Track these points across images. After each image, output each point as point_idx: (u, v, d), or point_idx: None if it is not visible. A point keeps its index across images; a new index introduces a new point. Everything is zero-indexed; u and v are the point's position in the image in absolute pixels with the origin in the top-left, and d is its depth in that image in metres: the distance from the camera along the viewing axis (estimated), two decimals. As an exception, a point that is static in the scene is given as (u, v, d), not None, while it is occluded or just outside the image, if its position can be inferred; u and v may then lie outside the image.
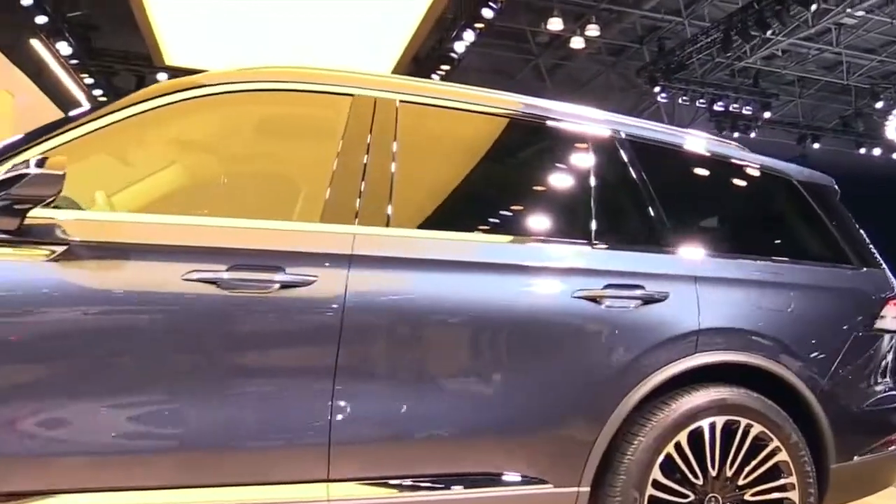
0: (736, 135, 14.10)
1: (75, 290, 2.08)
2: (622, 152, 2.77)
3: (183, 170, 2.82)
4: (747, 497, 2.59)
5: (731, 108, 14.45)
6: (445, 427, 2.34)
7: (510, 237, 2.59)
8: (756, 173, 3.11)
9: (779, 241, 3.17)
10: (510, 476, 2.40)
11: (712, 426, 2.56)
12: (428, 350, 2.36)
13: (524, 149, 2.91)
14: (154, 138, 2.60)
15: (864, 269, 3.05)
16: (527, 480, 2.41)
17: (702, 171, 3.07)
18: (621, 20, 13.10)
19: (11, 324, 2.02)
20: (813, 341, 2.80)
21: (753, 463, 2.61)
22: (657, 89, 13.75)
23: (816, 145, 16.01)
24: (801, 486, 2.62)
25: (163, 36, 13.58)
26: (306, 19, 12.52)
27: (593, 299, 2.47)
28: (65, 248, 2.07)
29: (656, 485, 2.48)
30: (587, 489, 2.45)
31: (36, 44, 13.59)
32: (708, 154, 3.04)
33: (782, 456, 2.62)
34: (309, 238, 2.30)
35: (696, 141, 3.07)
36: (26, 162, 2.02)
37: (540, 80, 14.19)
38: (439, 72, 12.03)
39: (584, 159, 2.75)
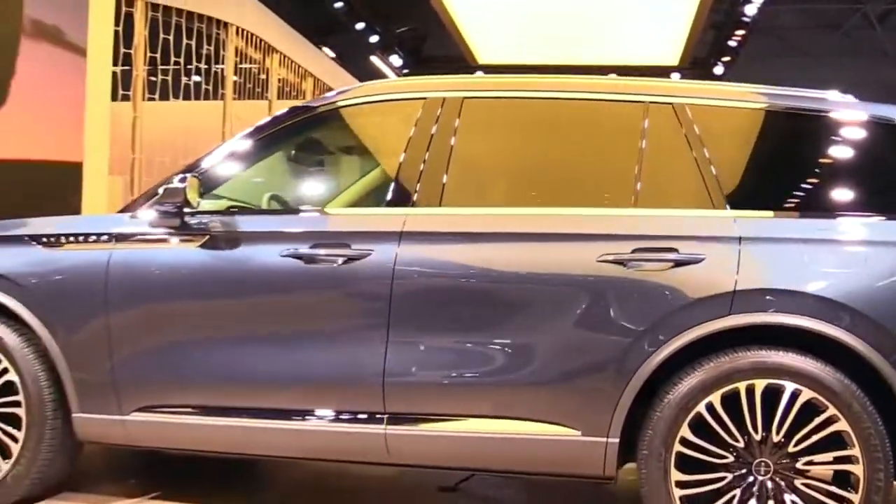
0: None
1: (215, 264, 2.88)
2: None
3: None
4: (800, 466, 2.39)
5: None
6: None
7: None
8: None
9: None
10: (542, 422, 2.57)
11: (750, 388, 2.41)
12: None
13: None
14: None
15: None
16: (557, 426, 2.55)
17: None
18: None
19: (179, 285, 2.90)
20: (884, 302, 2.43)
21: (805, 430, 2.38)
22: None
23: None
24: (866, 460, 2.36)
25: (470, 38, 14.82)
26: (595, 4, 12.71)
27: None
28: (207, 237, 2.86)
29: (685, 442, 2.44)
30: (615, 440, 2.51)
31: (374, 59, 15.74)
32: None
33: (842, 425, 2.37)
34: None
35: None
36: (180, 178, 2.84)
37: (869, 28, 12.39)
38: (735, 37, 11.25)
39: None
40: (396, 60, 15.61)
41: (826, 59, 16.79)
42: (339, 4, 13.08)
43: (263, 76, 12.69)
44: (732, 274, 2.48)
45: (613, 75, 4.38)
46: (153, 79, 10.49)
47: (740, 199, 2.64)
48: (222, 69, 11.59)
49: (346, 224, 2.91)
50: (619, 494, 2.87)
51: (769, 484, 2.41)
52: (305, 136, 3.32)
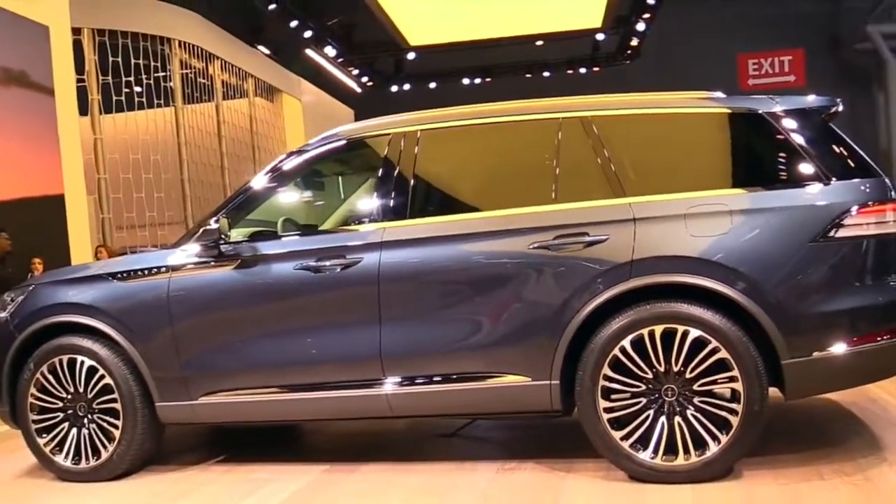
0: None
1: (247, 280, 3.73)
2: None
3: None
4: (696, 388, 3.16)
5: None
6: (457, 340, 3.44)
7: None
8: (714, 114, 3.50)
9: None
10: (501, 373, 3.38)
11: (651, 333, 3.19)
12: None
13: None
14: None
15: (830, 183, 3.20)
16: (513, 376, 3.36)
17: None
18: None
19: (225, 299, 3.77)
20: (752, 256, 3.14)
21: (696, 360, 3.14)
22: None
23: None
24: (744, 378, 3.09)
25: (399, 22, 15.41)
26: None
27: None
28: (239, 261, 3.73)
29: (607, 378, 3.22)
30: (557, 382, 3.31)
31: (309, 53, 16.24)
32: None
33: (723, 354, 3.11)
34: None
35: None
36: (214, 219, 3.76)
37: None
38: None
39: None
40: (331, 51, 16.14)
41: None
42: (272, 7, 13.60)
43: (207, 82, 13.19)
44: (629, 247, 3.25)
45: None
46: (107, 96, 10.97)
47: (635, 187, 3.36)
48: (170, 81, 12.11)
49: (340, 240, 3.68)
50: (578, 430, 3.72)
51: (676, 403, 3.15)
52: (303, 170, 4.09)
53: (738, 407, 3.11)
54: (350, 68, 17.58)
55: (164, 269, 3.87)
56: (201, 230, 3.80)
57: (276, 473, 3.81)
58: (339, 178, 4.65)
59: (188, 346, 3.78)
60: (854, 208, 3.17)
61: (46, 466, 4.00)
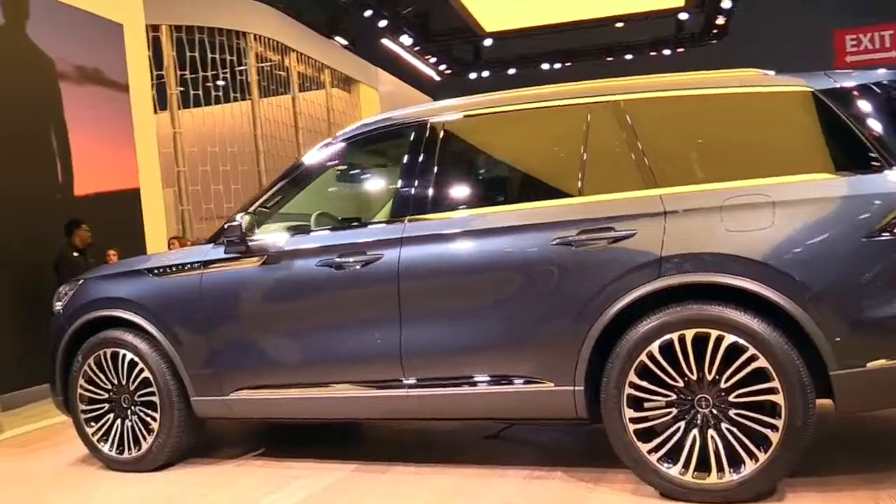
0: None
1: (273, 276, 3.71)
2: None
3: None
4: (731, 399, 2.86)
5: None
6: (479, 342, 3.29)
7: None
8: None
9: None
10: (522, 378, 3.20)
11: (682, 337, 2.92)
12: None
13: None
14: None
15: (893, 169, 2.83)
16: (536, 381, 3.18)
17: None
18: None
19: (252, 295, 3.78)
20: (797, 253, 2.83)
21: (732, 368, 2.84)
22: None
23: None
24: (785, 390, 2.79)
25: (474, 9, 15.25)
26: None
27: None
28: (267, 257, 3.71)
29: (633, 386, 2.99)
30: (581, 388, 3.10)
31: (385, 42, 16.31)
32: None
33: (761, 363, 2.81)
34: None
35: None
36: (240, 216, 3.73)
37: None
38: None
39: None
40: (406, 40, 16.14)
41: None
42: (347, -2, 13.71)
43: (284, 74, 13.42)
44: (658, 243, 2.96)
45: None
46: (185, 90, 11.31)
47: (669, 177, 3.08)
48: (246, 73, 12.38)
49: (361, 236, 3.60)
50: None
51: (710, 416, 2.88)
52: (329, 164, 4.00)
53: (779, 422, 2.82)
54: (427, 56, 17.56)
55: (197, 265, 3.91)
56: (227, 226, 3.80)
57: (308, 470, 3.81)
58: (360, 172, 4.56)
59: (218, 342, 3.81)
60: None
61: (94, 455, 4.15)
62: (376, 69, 16.17)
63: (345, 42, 15.47)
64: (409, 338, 3.40)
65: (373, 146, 4.04)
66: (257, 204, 3.87)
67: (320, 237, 3.74)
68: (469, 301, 3.35)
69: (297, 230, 3.83)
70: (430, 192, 3.53)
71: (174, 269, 3.99)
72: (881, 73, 3.12)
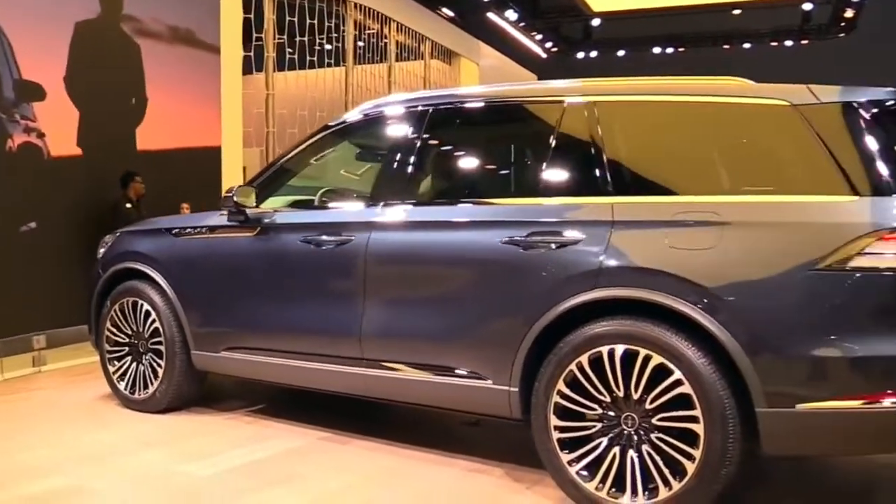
0: None
1: (263, 247, 4.01)
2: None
3: None
4: (654, 421, 2.83)
5: None
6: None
7: None
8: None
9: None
10: (464, 371, 3.33)
11: (611, 352, 2.91)
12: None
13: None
14: None
15: (855, 198, 2.67)
16: (476, 376, 3.30)
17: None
18: None
19: (244, 262, 4.08)
20: (738, 279, 2.74)
21: (657, 390, 2.81)
22: None
23: None
24: (707, 420, 2.72)
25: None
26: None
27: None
28: (260, 228, 4.02)
29: (560, 394, 3.01)
30: (517, 389, 3.17)
31: (491, 16, 16.29)
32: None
33: (686, 388, 2.75)
34: None
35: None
36: (239, 188, 4.04)
37: None
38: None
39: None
40: (512, 15, 16.07)
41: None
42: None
43: (382, 43, 13.71)
44: (600, 253, 2.96)
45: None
46: (281, 54, 11.79)
47: (626, 185, 3.08)
48: (343, 40, 12.73)
49: (339, 217, 3.87)
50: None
51: (633, 435, 2.86)
52: (336, 142, 4.26)
53: (697, 452, 2.76)
54: (533, 33, 17.40)
55: (204, 230, 4.28)
56: (224, 196, 4.14)
57: (283, 431, 4.13)
58: (365, 153, 4.74)
59: (213, 303, 4.18)
60: (875, 232, 2.60)
61: (113, 391, 4.63)
62: (479, 43, 16.19)
63: (451, 14, 15.56)
64: (369, 319, 3.61)
65: (371, 130, 4.22)
66: (265, 176, 4.21)
67: (302, 215, 4.03)
68: (422, 290, 3.53)
69: (295, 205, 4.10)
70: (406, 180, 3.74)
71: (188, 231, 4.37)
72: (868, 92, 2.93)
